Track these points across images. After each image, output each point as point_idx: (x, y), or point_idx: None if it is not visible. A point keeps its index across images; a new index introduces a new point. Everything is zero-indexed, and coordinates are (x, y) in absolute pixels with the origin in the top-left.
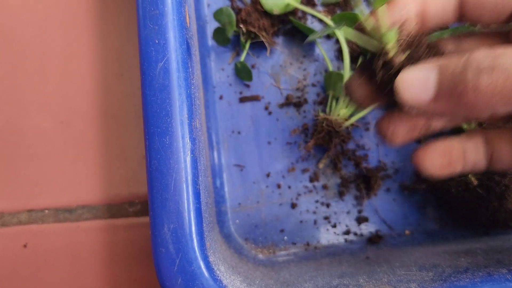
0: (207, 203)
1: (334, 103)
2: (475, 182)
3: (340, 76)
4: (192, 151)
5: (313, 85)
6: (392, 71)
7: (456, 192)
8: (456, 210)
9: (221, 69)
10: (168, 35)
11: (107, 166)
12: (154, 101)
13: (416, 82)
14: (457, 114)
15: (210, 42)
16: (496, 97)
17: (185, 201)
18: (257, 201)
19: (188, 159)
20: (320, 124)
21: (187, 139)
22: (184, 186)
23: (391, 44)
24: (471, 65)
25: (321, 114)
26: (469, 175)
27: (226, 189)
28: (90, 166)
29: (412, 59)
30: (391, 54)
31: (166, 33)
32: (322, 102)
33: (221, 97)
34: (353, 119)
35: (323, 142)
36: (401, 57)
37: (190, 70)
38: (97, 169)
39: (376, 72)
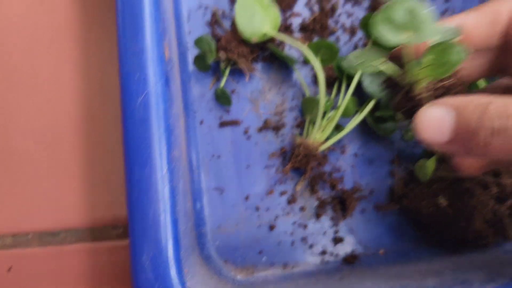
0: (187, 228)
1: (311, 127)
2: (445, 203)
3: (316, 102)
4: (170, 181)
5: (291, 109)
6: (414, 104)
7: (427, 212)
8: (428, 229)
9: (202, 94)
10: (148, 70)
11: (91, 190)
12: (134, 134)
13: (434, 123)
14: (470, 156)
15: (191, 68)
16: (504, 153)
17: (163, 230)
18: (236, 223)
19: (166, 189)
20: (297, 148)
21: (166, 170)
22: (163, 216)
23: (420, 85)
24: (485, 123)
25: (298, 138)
26: (439, 196)
27: (206, 212)
28: (74, 190)
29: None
30: (417, 91)
31: (145, 68)
32: (300, 126)
33: (201, 122)
34: (329, 143)
35: (300, 165)
36: (426, 96)
37: (169, 102)
38: (81, 193)
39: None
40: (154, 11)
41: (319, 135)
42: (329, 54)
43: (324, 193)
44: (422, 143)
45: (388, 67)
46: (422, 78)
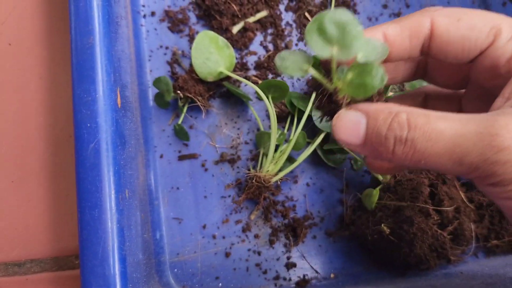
0: (144, 257)
1: (264, 160)
2: (387, 231)
3: (269, 136)
4: (119, 221)
5: (246, 143)
6: (335, 106)
7: (372, 239)
8: (375, 254)
9: (162, 130)
10: (99, 119)
11: (56, 221)
12: (85, 178)
13: (349, 126)
14: (379, 160)
15: (152, 104)
16: (407, 162)
17: (111, 267)
18: (194, 251)
19: (115, 229)
20: (251, 180)
21: (114, 211)
22: (111, 253)
23: (339, 88)
24: (391, 131)
25: (252, 171)
26: (382, 225)
27: (165, 240)
28: (40, 221)
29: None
30: (337, 95)
31: (97, 117)
32: (254, 159)
33: (161, 156)
34: (280, 174)
35: (254, 197)
36: (344, 100)
37: (120, 146)
38: (46, 225)
39: (322, 102)
40: (106, 63)
41: (272, 167)
42: (280, 92)
43: (277, 221)
44: (338, 142)
45: (315, 73)
46: (343, 90)
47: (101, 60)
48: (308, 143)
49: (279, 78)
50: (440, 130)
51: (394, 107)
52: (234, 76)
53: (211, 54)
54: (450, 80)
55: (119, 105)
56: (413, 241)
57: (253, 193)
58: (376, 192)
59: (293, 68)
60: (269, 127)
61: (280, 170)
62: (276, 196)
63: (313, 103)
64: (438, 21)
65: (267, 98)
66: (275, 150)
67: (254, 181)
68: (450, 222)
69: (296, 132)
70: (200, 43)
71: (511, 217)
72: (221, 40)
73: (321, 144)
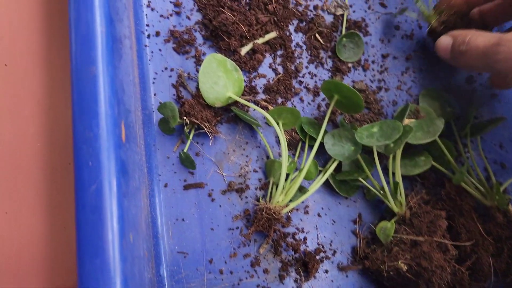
0: None
1: (274, 190)
2: (405, 268)
3: (279, 165)
4: (123, 271)
5: (255, 171)
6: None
7: (388, 275)
8: None
9: (167, 157)
10: (102, 157)
11: (53, 254)
12: (86, 223)
13: (443, 46)
14: (461, 67)
15: (156, 129)
16: (470, 63)
17: None
18: (200, 287)
19: (118, 280)
20: (260, 212)
21: (118, 260)
22: None
23: (434, 20)
24: (458, 47)
25: (261, 202)
26: (399, 262)
27: (169, 276)
28: (35, 255)
29: (447, 27)
30: (434, 25)
31: (99, 155)
32: (263, 188)
33: (166, 185)
34: (291, 205)
35: (263, 229)
36: (440, 27)
37: (124, 187)
38: (42, 260)
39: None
40: (110, 95)
41: (282, 198)
42: (291, 118)
43: (288, 255)
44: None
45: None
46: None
47: (104, 92)
48: (320, 171)
49: (288, 103)
50: (478, 43)
51: (469, 32)
52: (243, 101)
53: (219, 78)
54: None
55: (123, 140)
56: (431, 278)
57: (263, 225)
58: (391, 225)
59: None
60: (279, 154)
61: (290, 201)
62: (286, 228)
63: (325, 130)
64: None
65: (278, 125)
66: (285, 179)
67: (264, 213)
68: (468, 256)
69: (308, 161)
70: (207, 66)
71: None
72: (230, 63)
73: (333, 173)
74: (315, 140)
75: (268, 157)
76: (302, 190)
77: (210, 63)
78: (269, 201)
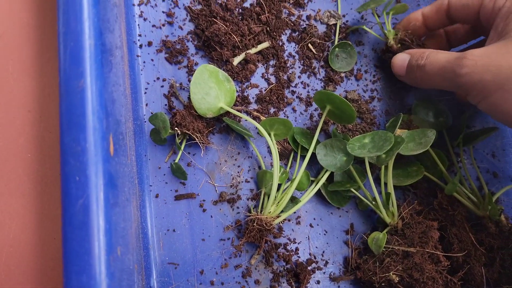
0: None
1: (266, 200)
2: (396, 280)
3: (271, 175)
4: (109, 286)
5: (247, 181)
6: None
7: (379, 287)
8: None
9: (158, 167)
10: (89, 171)
11: (42, 267)
12: (72, 238)
13: (399, 62)
14: (416, 84)
15: (148, 139)
16: (428, 77)
17: None
18: None
19: None
20: (251, 223)
21: (104, 276)
22: None
23: (392, 39)
24: (416, 62)
25: (253, 212)
26: (391, 273)
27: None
28: (24, 267)
29: (404, 46)
30: (391, 43)
31: (86, 169)
32: (255, 198)
33: (157, 196)
34: (283, 216)
35: (254, 240)
36: (396, 45)
37: (113, 199)
38: (31, 271)
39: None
40: (98, 108)
41: (274, 209)
42: (283, 129)
43: (279, 265)
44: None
45: None
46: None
47: (92, 106)
48: (312, 181)
49: (281, 113)
50: (438, 58)
51: (427, 50)
52: (235, 112)
53: (211, 89)
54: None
55: (112, 153)
56: None
57: (254, 236)
58: (383, 236)
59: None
60: (271, 164)
61: (282, 211)
62: (277, 239)
63: (317, 141)
64: None
65: (269, 135)
66: (277, 190)
67: (255, 224)
68: (461, 266)
69: (300, 171)
70: (199, 77)
71: (493, 116)
72: (222, 73)
73: (325, 183)
74: (307, 150)
75: (260, 167)
76: (294, 200)
77: (201, 74)
78: (261, 211)
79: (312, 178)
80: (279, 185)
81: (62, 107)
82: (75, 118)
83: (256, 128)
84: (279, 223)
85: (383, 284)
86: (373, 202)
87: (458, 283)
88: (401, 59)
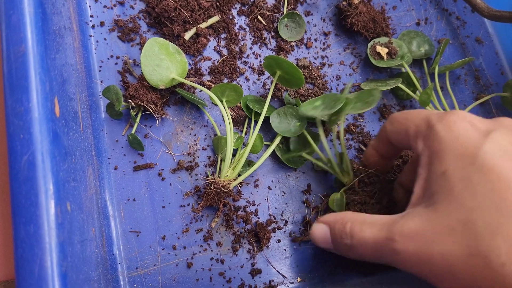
0: (93, 276)
1: (222, 165)
2: None
3: (225, 140)
4: (58, 236)
5: (204, 149)
6: None
7: None
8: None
9: (115, 141)
10: (33, 129)
11: (7, 243)
12: (19, 192)
13: (320, 236)
14: (350, 258)
15: (104, 115)
16: (362, 257)
17: (50, 285)
18: (154, 264)
19: (53, 244)
20: (209, 187)
21: (52, 226)
22: (49, 271)
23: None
24: (342, 240)
25: (210, 177)
26: None
27: (122, 255)
28: None
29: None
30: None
31: (30, 128)
32: (212, 165)
33: (116, 168)
34: (240, 179)
35: (213, 203)
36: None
37: (59, 157)
38: None
39: None
40: (40, 71)
41: (231, 172)
42: (234, 95)
43: (240, 227)
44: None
45: None
46: None
47: (34, 68)
48: (268, 146)
49: (234, 83)
50: (366, 239)
51: (346, 216)
52: (187, 82)
53: (162, 61)
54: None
55: (57, 115)
56: None
57: (212, 199)
58: (341, 196)
59: None
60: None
61: (239, 175)
62: (237, 202)
63: (271, 107)
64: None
65: (221, 102)
66: (234, 155)
67: (212, 187)
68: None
69: (253, 135)
70: (149, 50)
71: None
72: (172, 46)
73: (280, 146)
74: (260, 116)
75: (215, 135)
76: (250, 164)
77: (152, 47)
78: (218, 176)
79: (268, 143)
80: (235, 150)
81: (4, 72)
82: (18, 80)
83: (210, 98)
84: (238, 186)
85: None
86: (328, 164)
87: None
88: (322, 232)
